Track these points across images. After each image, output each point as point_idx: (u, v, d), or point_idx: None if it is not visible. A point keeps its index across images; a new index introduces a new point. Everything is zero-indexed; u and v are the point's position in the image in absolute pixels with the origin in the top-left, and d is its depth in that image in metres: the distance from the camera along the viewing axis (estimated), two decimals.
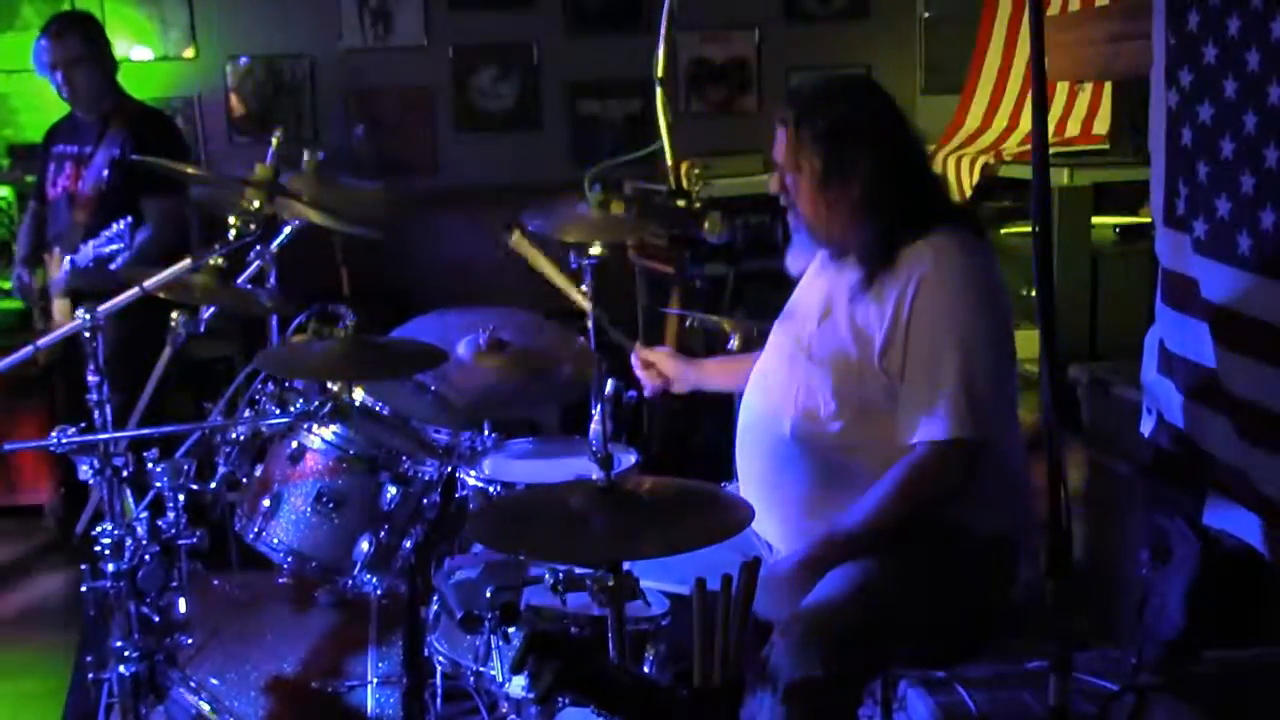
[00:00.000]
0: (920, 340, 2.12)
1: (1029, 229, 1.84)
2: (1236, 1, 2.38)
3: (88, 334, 2.27)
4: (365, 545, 2.49)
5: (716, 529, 1.92)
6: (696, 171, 3.13)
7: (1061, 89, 4.05)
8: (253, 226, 2.50)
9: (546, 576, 1.93)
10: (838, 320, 2.23)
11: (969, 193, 3.91)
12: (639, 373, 2.73)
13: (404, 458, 2.53)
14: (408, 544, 2.55)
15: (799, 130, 2.21)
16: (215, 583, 2.76)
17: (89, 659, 2.46)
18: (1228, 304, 2.44)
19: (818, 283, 2.36)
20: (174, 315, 2.63)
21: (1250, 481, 2.42)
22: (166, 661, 2.38)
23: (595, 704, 1.68)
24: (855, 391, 2.17)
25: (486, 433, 2.87)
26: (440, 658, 2.25)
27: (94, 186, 3.77)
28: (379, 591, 2.59)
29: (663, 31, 3.06)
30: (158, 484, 2.37)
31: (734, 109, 5.44)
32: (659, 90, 3.11)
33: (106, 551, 2.28)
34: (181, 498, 2.39)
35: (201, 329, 2.67)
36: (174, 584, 2.34)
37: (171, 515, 2.37)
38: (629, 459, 2.71)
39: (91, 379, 2.30)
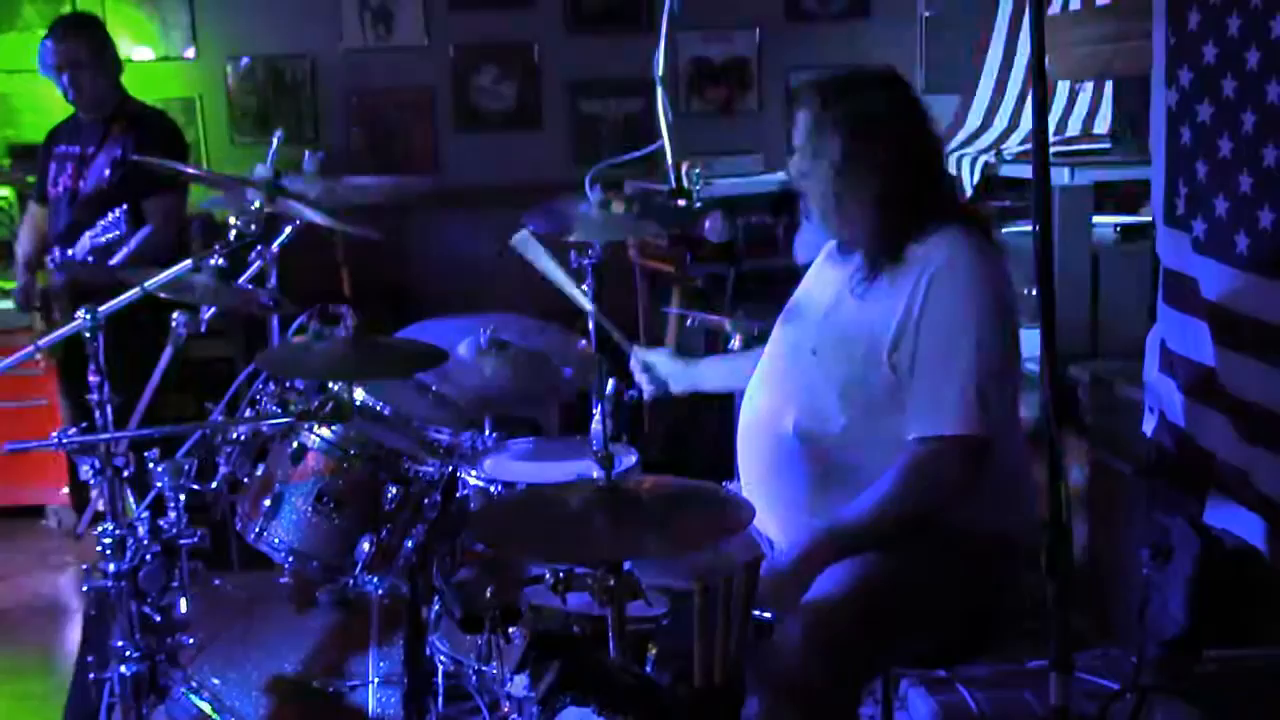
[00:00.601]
0: (932, 335, 2.12)
1: (1030, 228, 1.84)
2: (1237, 1, 2.38)
3: (88, 334, 2.28)
4: (366, 545, 2.49)
5: (717, 528, 1.92)
6: (697, 171, 3.14)
7: (1062, 88, 4.04)
8: (253, 227, 2.50)
9: (547, 576, 1.92)
10: (845, 315, 2.22)
11: (970, 192, 3.91)
12: (637, 375, 2.71)
13: (405, 458, 2.53)
14: (409, 544, 2.55)
15: (823, 115, 2.20)
16: (216, 583, 2.77)
17: (90, 659, 2.47)
18: (1227, 303, 2.44)
19: (825, 277, 2.35)
20: (174, 315, 2.64)
21: (1251, 481, 2.42)
22: (168, 661, 2.39)
23: (597, 704, 1.67)
24: (860, 388, 2.17)
25: (487, 432, 2.87)
26: (442, 657, 2.25)
27: (95, 186, 3.77)
28: (380, 591, 2.59)
29: (663, 31, 3.06)
30: (159, 484, 2.38)
31: (735, 108, 5.43)
32: (659, 90, 3.12)
33: (108, 551, 2.29)
34: (183, 498, 2.40)
35: (202, 329, 2.67)
36: (175, 584, 2.34)
37: (173, 515, 2.37)
38: (629, 459, 2.70)
39: (92, 379, 2.30)
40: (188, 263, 2.47)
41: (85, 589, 2.29)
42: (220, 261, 2.52)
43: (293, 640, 2.59)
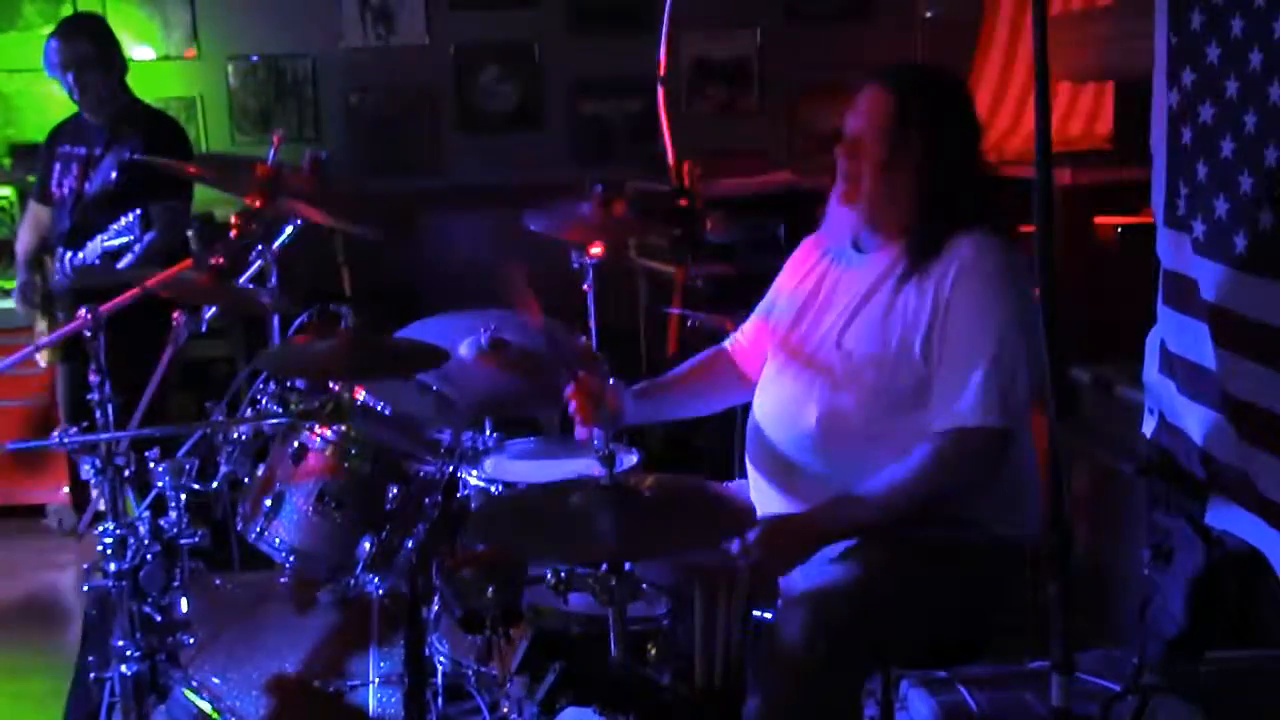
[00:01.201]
0: (956, 326, 2.13)
1: (1031, 229, 1.84)
2: (1239, 1, 2.37)
3: (89, 334, 2.28)
4: (367, 545, 2.49)
5: (719, 527, 1.92)
6: (698, 171, 3.14)
7: (1064, 89, 4.05)
8: (254, 226, 2.50)
9: (548, 576, 1.93)
10: (874, 312, 2.22)
11: None
12: (572, 408, 2.44)
13: (405, 457, 2.53)
14: (409, 544, 2.55)
15: (908, 104, 2.20)
16: (217, 582, 2.77)
17: (91, 659, 2.47)
18: (1227, 304, 2.44)
19: (845, 274, 2.33)
20: (175, 315, 2.63)
21: (1251, 482, 2.42)
22: (168, 661, 2.39)
23: (597, 704, 1.67)
24: (888, 383, 2.17)
25: (488, 432, 2.87)
26: (442, 657, 2.25)
27: (100, 188, 3.76)
28: (380, 591, 2.59)
29: (664, 31, 3.06)
30: (160, 484, 2.38)
31: (736, 109, 5.43)
32: (660, 90, 3.12)
33: (108, 551, 2.28)
34: (183, 497, 2.40)
35: (203, 329, 2.67)
36: (176, 583, 2.34)
37: (173, 515, 2.37)
38: (631, 458, 2.70)
39: (93, 379, 2.30)
40: (189, 262, 2.47)
41: (86, 589, 2.29)
42: (221, 261, 2.52)
43: (293, 640, 2.59)
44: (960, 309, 2.13)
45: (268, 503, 2.50)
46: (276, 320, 3.00)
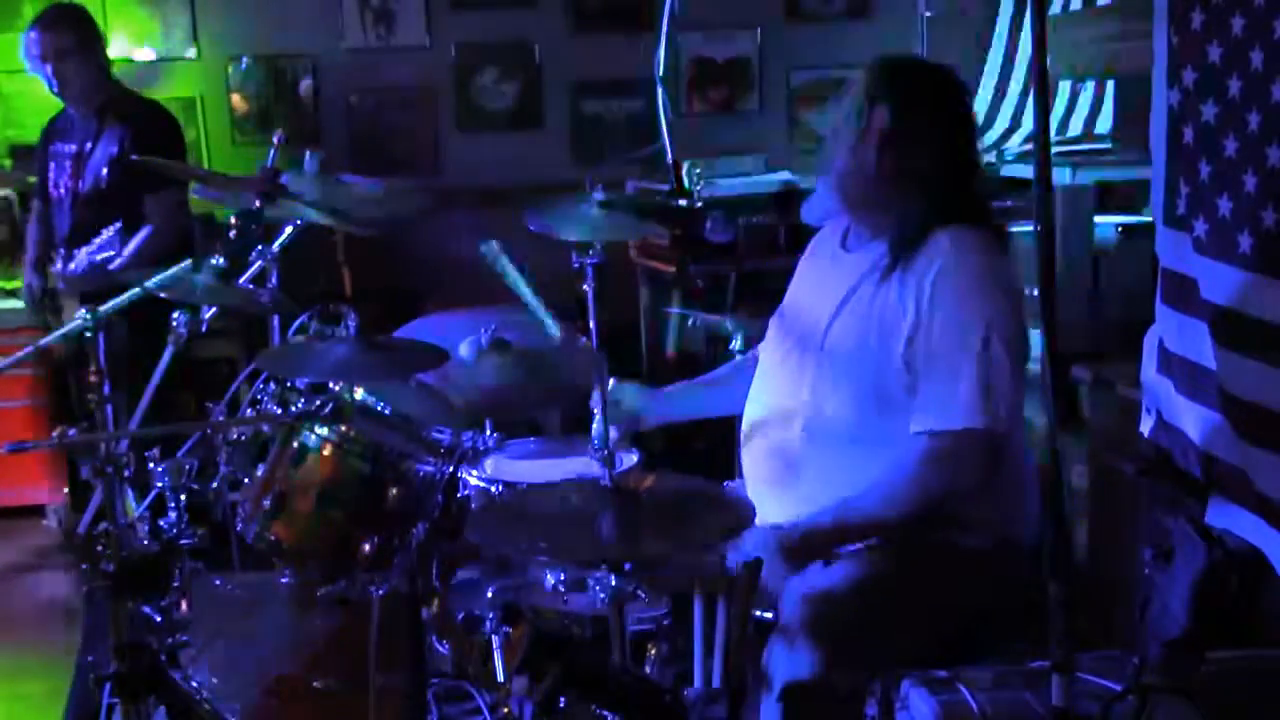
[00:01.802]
0: (940, 328, 2.12)
1: (1031, 228, 1.83)
2: (1240, 1, 2.37)
3: (89, 333, 2.27)
4: (367, 545, 2.48)
5: (719, 527, 1.92)
6: (698, 171, 3.14)
7: (1064, 87, 4.04)
8: (254, 226, 2.50)
9: (548, 576, 1.93)
10: (860, 310, 2.21)
11: None
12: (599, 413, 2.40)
13: (406, 457, 2.53)
14: (410, 544, 2.54)
15: (878, 82, 2.20)
16: (217, 583, 2.76)
17: (90, 659, 2.46)
18: (1228, 304, 2.43)
19: (832, 273, 2.33)
20: (175, 315, 2.63)
21: (1251, 482, 2.42)
22: (168, 661, 2.38)
23: (598, 704, 1.67)
24: (873, 384, 2.16)
25: (488, 432, 2.87)
26: (442, 658, 2.24)
27: (93, 186, 3.71)
28: (380, 592, 2.59)
29: (664, 31, 3.06)
30: (159, 484, 2.37)
31: (735, 108, 5.43)
32: (660, 90, 3.12)
33: (108, 551, 2.28)
34: (183, 497, 2.39)
35: (203, 329, 2.67)
36: (175, 584, 2.34)
37: (173, 515, 2.37)
38: (631, 458, 2.70)
39: (93, 378, 2.29)
40: (187, 263, 2.47)
41: (85, 589, 2.28)
42: (221, 261, 2.51)
43: (293, 641, 2.58)
44: (943, 309, 2.12)
45: (267, 503, 2.50)
46: (277, 320, 2.99)
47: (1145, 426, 2.82)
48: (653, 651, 2.04)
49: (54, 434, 2.24)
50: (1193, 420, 2.60)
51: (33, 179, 4.17)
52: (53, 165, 3.86)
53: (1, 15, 5.06)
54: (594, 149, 5.32)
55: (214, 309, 2.64)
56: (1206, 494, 2.62)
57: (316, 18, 5.22)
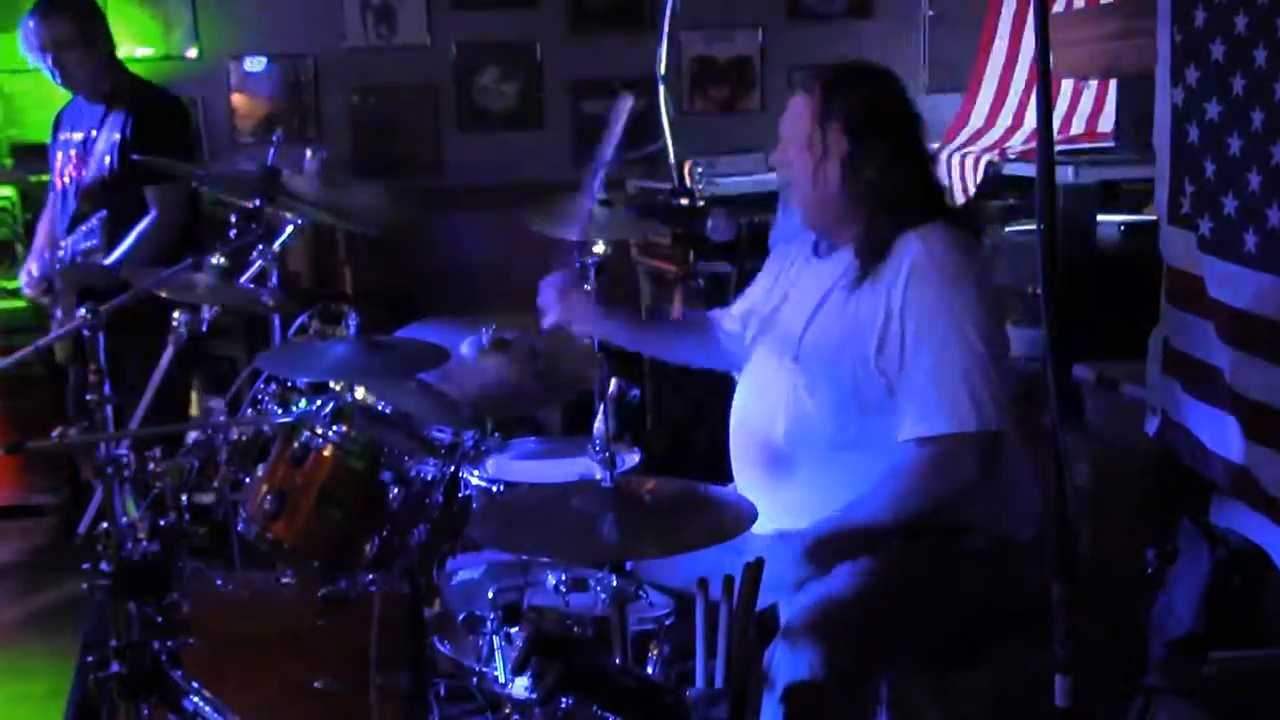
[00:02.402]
0: (915, 330, 2.10)
1: (1034, 227, 1.83)
2: None
3: (88, 332, 2.27)
4: (367, 545, 2.48)
5: (720, 529, 1.91)
6: (699, 170, 3.14)
7: (1066, 86, 4.04)
8: (254, 226, 2.49)
9: (549, 576, 1.92)
10: (830, 317, 2.20)
11: (973, 191, 3.90)
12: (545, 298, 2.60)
13: (406, 457, 2.52)
14: (410, 543, 2.54)
15: (828, 105, 2.17)
16: (218, 582, 2.75)
17: (90, 659, 2.46)
18: (1234, 302, 2.43)
19: (803, 280, 2.32)
20: (176, 314, 2.63)
21: (1257, 481, 2.41)
22: (169, 662, 2.37)
23: (598, 705, 1.67)
24: (851, 391, 2.14)
25: (489, 432, 2.86)
26: (443, 658, 2.24)
27: (97, 175, 3.61)
28: (381, 592, 2.58)
29: (665, 30, 3.06)
30: (159, 484, 2.36)
31: (737, 108, 5.43)
32: (662, 89, 3.11)
33: (108, 551, 2.27)
34: (184, 497, 2.38)
35: (204, 328, 2.66)
36: (176, 583, 2.32)
37: (173, 515, 2.36)
38: (632, 459, 2.70)
39: (93, 378, 2.28)
40: (189, 261, 2.46)
41: (85, 589, 2.27)
42: (221, 260, 2.51)
43: (294, 640, 2.57)
44: (916, 314, 2.09)
45: (268, 503, 2.49)
46: (278, 319, 2.98)
47: (1151, 426, 2.81)
48: (654, 652, 2.03)
49: (53, 433, 2.24)
50: (1199, 419, 2.60)
51: (34, 178, 4.13)
52: (60, 155, 3.76)
53: (3, 15, 5.05)
54: (595, 148, 5.31)
55: (215, 308, 2.63)
56: (1211, 493, 2.61)
57: (317, 17, 5.22)
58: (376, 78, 5.29)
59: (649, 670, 2.01)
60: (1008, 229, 3.83)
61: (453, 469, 2.62)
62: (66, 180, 3.71)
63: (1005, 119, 4.33)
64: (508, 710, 2.16)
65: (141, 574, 2.26)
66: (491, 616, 2.01)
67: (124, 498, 2.31)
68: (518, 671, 1.68)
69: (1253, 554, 2.49)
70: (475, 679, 2.17)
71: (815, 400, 2.18)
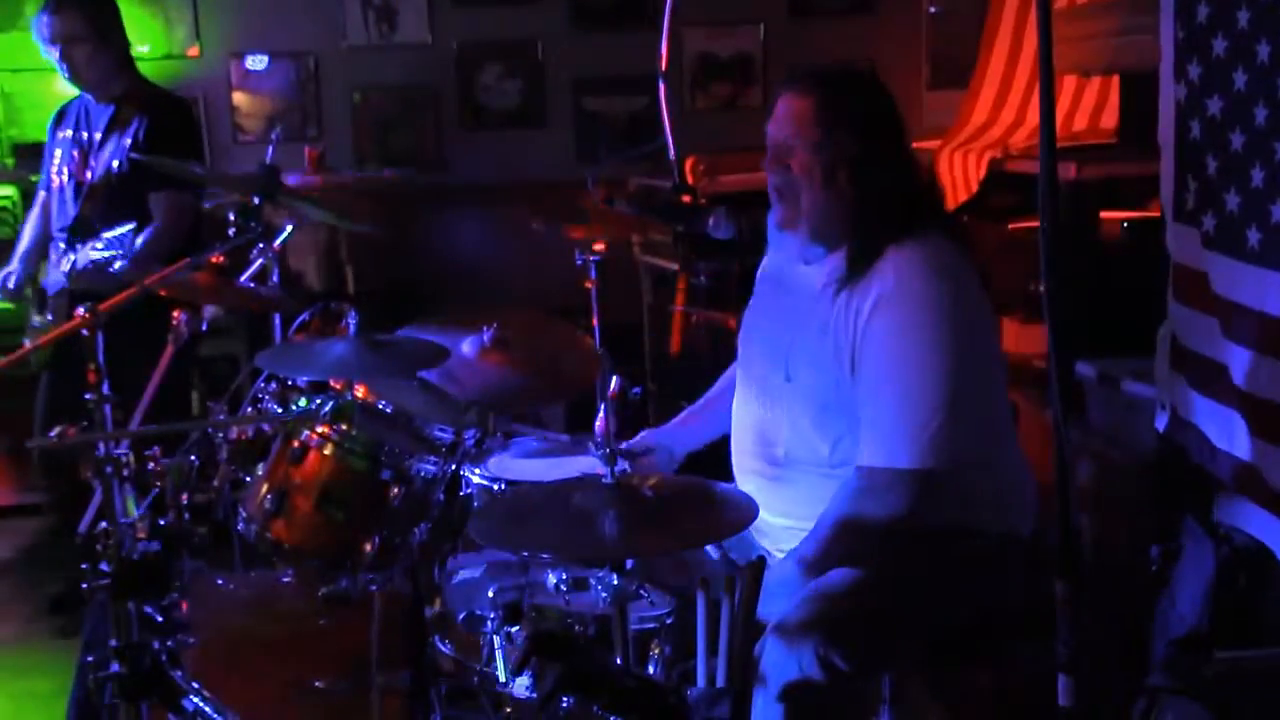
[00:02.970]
0: (868, 363, 2.07)
1: (1036, 224, 1.82)
2: None
3: (87, 332, 2.26)
4: (368, 544, 2.48)
5: (721, 526, 1.90)
6: (701, 167, 3.13)
7: (1069, 83, 4.02)
8: (254, 224, 2.48)
9: (550, 576, 1.91)
10: (812, 331, 2.16)
11: (975, 187, 3.89)
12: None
13: (407, 456, 2.52)
14: (411, 542, 2.54)
15: (835, 107, 2.13)
16: (218, 582, 2.76)
17: (91, 659, 2.45)
18: (1238, 299, 2.42)
19: (789, 288, 2.29)
20: (176, 314, 2.62)
21: (1262, 478, 2.40)
22: (169, 661, 2.37)
23: (599, 705, 1.66)
24: (839, 408, 2.13)
25: (491, 430, 2.86)
26: (444, 657, 2.23)
27: (103, 177, 3.56)
28: (383, 591, 2.58)
29: (665, 27, 3.05)
30: (160, 483, 2.36)
31: (739, 104, 5.42)
32: (663, 86, 3.11)
33: (108, 551, 2.27)
34: (184, 497, 2.38)
35: (204, 327, 2.66)
36: (176, 584, 2.32)
37: (173, 514, 2.36)
38: None
39: (91, 378, 2.28)
40: (188, 261, 2.45)
41: (86, 589, 2.27)
42: (222, 260, 2.50)
43: (295, 640, 2.57)
44: (873, 344, 2.06)
45: (269, 502, 2.49)
46: (279, 318, 2.98)
47: (1159, 423, 2.80)
48: (656, 651, 2.03)
49: (53, 432, 2.23)
50: (1206, 416, 2.59)
51: (35, 178, 4.09)
52: (58, 152, 3.70)
53: (4, 15, 5.06)
54: (597, 146, 5.32)
55: (215, 308, 2.63)
56: (1216, 491, 2.60)
57: (319, 15, 5.22)
58: (378, 76, 5.29)
59: (650, 670, 2.01)
60: (1010, 226, 3.82)
61: (454, 467, 2.62)
62: (65, 179, 3.66)
63: (1008, 115, 4.31)
64: (509, 710, 2.16)
65: (141, 574, 2.26)
66: (492, 616, 2.01)
67: (124, 497, 2.30)
68: (518, 671, 1.67)
69: (1257, 552, 2.48)
70: (476, 678, 2.16)
71: (808, 421, 2.16)
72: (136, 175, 3.49)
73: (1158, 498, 2.81)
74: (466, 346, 2.77)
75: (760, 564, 1.77)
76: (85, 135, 3.64)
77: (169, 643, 2.32)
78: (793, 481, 2.21)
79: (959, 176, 4.03)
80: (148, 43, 5.11)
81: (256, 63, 5.25)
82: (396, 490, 2.50)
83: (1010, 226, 3.84)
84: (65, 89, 3.75)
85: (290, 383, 2.61)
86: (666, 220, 3.64)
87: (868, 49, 5.36)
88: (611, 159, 3.06)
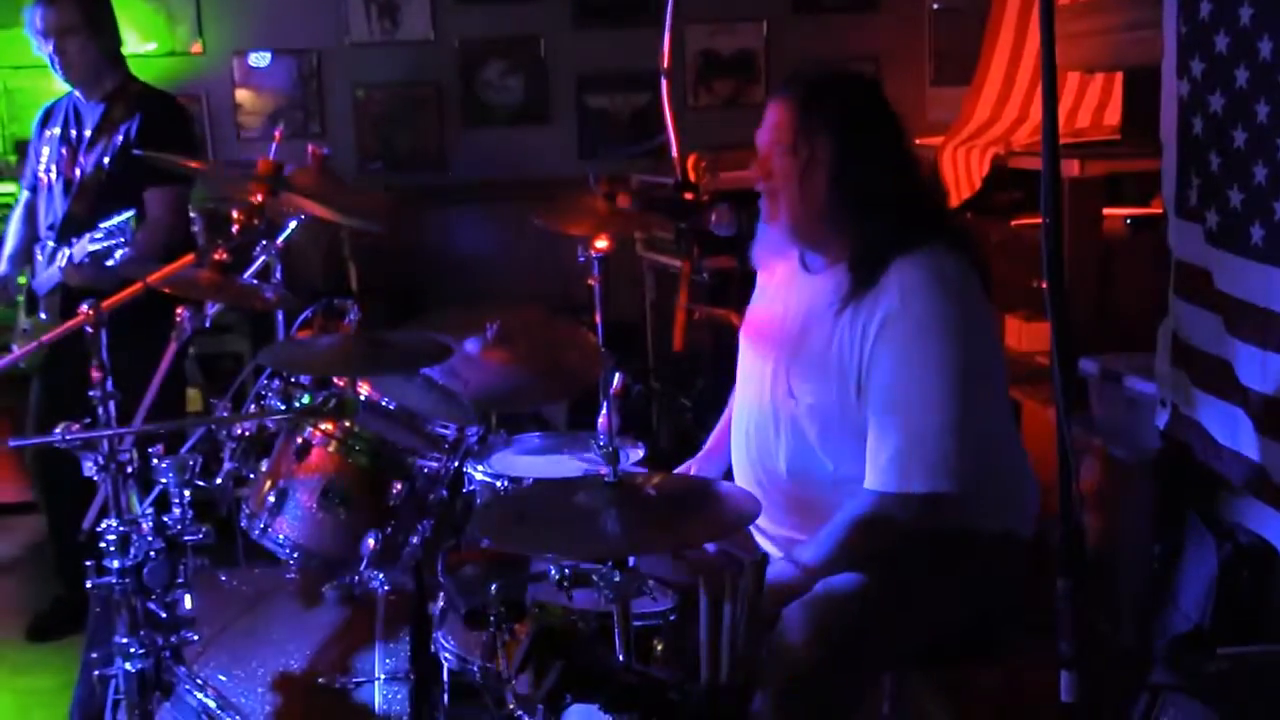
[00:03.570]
0: (876, 387, 2.06)
1: (1040, 220, 1.82)
2: None
3: (90, 330, 2.26)
4: (371, 541, 2.48)
5: (723, 523, 1.90)
6: (704, 164, 3.12)
7: (1072, 79, 4.02)
8: (257, 222, 2.48)
9: (552, 572, 1.92)
10: (816, 346, 2.14)
11: (979, 184, 3.89)
12: None
13: (410, 453, 2.53)
14: (414, 539, 2.54)
15: (811, 109, 2.10)
16: (222, 579, 2.77)
17: (95, 655, 2.46)
18: (1241, 295, 2.42)
19: (790, 300, 2.25)
20: (179, 311, 2.62)
21: (1266, 475, 2.40)
22: (173, 658, 2.38)
23: (601, 701, 1.66)
24: (843, 426, 2.12)
25: (493, 428, 2.86)
26: (447, 654, 2.24)
27: (94, 175, 3.53)
28: (386, 587, 2.58)
29: (668, 23, 3.05)
30: (163, 480, 2.37)
31: (742, 101, 5.41)
32: (665, 83, 3.10)
33: (112, 548, 2.28)
34: (187, 493, 2.39)
35: (207, 324, 2.66)
36: (180, 580, 2.33)
37: (177, 511, 2.36)
38: (636, 454, 2.69)
39: (95, 375, 2.28)
40: (192, 258, 2.45)
41: (90, 586, 2.28)
42: (224, 257, 2.50)
43: (298, 636, 2.58)
44: (881, 368, 2.05)
45: (272, 499, 2.50)
46: (281, 316, 2.98)
47: (1160, 420, 2.80)
48: (658, 648, 2.03)
49: (57, 430, 2.24)
50: (1208, 412, 2.59)
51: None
52: (46, 151, 3.66)
53: (6, 12, 5.05)
54: (600, 143, 5.32)
55: (218, 305, 2.63)
56: (1219, 487, 2.60)
57: (322, 12, 5.22)
58: (380, 73, 5.28)
59: (651, 666, 2.01)
60: (1014, 223, 3.82)
61: (456, 464, 2.62)
62: (54, 177, 3.62)
63: (1011, 112, 4.31)
64: (511, 706, 2.16)
65: (146, 571, 2.27)
66: (495, 612, 2.01)
67: (128, 494, 2.31)
68: (521, 667, 1.67)
69: (1260, 549, 2.48)
70: (478, 675, 2.16)
71: (812, 437, 2.16)
72: (127, 172, 3.47)
73: (1161, 495, 2.81)
74: (469, 344, 2.77)
75: (763, 561, 1.77)
76: (74, 133, 3.61)
77: (173, 638, 2.33)
78: (795, 496, 2.21)
79: (962, 173, 4.02)
80: (151, 39, 5.11)
81: (259, 60, 5.25)
82: (399, 487, 2.50)
83: (1013, 223, 3.83)
84: (66, 88, 3.73)
85: (293, 380, 2.61)
86: (669, 217, 3.64)
87: (870, 45, 5.35)
88: (614, 156, 3.06)
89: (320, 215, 2.76)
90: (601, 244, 2.95)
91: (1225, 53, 2.43)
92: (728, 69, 5.40)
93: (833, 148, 2.10)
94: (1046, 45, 1.69)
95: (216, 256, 2.47)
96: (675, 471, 2.52)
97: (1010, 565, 2.21)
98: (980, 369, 2.10)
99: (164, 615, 2.32)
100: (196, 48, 5.19)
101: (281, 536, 2.49)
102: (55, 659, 3.52)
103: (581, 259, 3.01)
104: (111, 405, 2.29)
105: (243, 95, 5.25)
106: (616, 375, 2.55)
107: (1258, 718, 2.00)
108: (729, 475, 2.42)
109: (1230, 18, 2.41)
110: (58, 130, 3.64)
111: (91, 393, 2.29)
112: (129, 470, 2.29)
